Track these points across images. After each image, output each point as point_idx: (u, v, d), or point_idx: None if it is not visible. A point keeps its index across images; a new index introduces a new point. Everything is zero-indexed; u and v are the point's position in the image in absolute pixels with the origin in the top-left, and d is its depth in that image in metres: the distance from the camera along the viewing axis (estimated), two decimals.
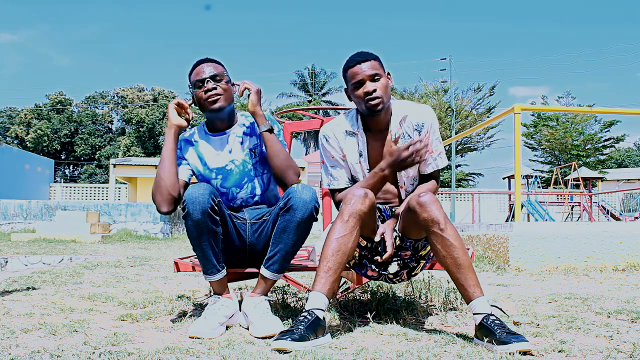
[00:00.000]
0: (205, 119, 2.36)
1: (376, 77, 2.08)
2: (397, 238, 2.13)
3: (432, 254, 2.20)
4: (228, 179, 2.29)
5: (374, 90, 2.07)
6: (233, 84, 2.29)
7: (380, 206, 2.24)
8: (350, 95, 2.15)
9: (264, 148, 2.30)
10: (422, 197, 1.94)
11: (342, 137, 2.21)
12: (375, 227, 2.10)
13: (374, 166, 2.16)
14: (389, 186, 2.23)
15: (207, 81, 2.19)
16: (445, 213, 1.96)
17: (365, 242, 2.14)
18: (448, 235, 1.90)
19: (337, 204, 2.21)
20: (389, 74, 2.17)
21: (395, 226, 2.13)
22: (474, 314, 1.85)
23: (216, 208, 2.04)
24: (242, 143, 2.31)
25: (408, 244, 2.13)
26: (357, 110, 2.22)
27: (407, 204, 2.03)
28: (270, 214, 2.23)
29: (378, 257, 2.08)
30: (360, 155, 2.19)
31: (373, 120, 2.17)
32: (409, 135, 2.18)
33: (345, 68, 2.14)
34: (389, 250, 2.04)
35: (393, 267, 2.13)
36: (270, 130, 2.21)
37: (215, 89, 2.20)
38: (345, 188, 2.20)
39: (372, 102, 2.07)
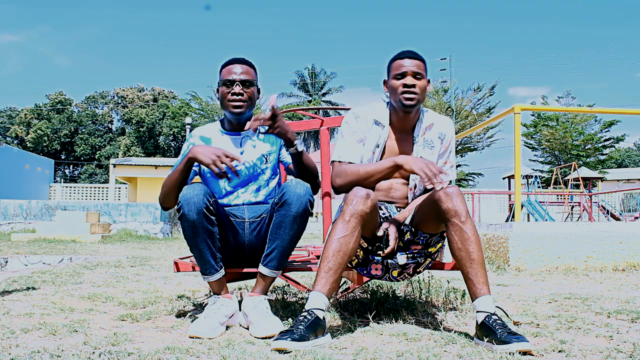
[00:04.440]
0: (223, 117, 2.39)
1: (418, 76, 2.13)
2: (409, 232, 2.14)
3: (437, 254, 2.21)
4: (236, 178, 2.29)
5: (413, 86, 2.11)
6: (259, 91, 2.34)
7: (387, 204, 2.24)
8: (388, 85, 2.19)
9: (281, 157, 2.37)
10: (448, 187, 1.97)
11: (371, 123, 2.24)
12: (377, 226, 2.11)
13: None
14: (398, 185, 2.25)
15: (236, 84, 2.23)
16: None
17: (366, 245, 2.14)
18: (467, 229, 1.93)
19: (335, 174, 2.18)
20: (429, 80, 2.20)
21: (403, 222, 2.15)
22: (477, 311, 1.85)
23: (211, 208, 2.05)
24: (254, 147, 2.33)
25: (422, 238, 2.14)
26: (390, 104, 2.25)
27: (430, 194, 2.04)
28: (267, 212, 2.24)
29: (380, 252, 2.09)
30: (377, 146, 2.21)
31: (402, 117, 2.21)
32: (431, 142, 2.24)
33: (392, 59, 2.18)
34: (392, 244, 2.05)
35: (402, 259, 2.14)
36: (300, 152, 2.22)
37: (241, 94, 2.24)
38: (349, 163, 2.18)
39: (407, 96, 2.12)
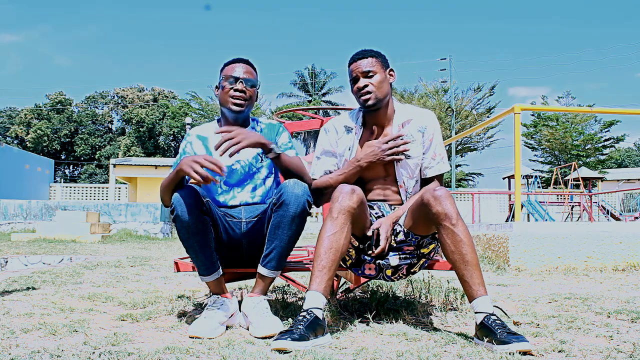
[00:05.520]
0: (219, 117, 2.40)
1: (370, 74, 2.17)
2: (401, 233, 2.14)
3: (432, 254, 2.21)
4: (232, 177, 2.30)
5: (365, 86, 2.16)
6: (257, 95, 2.36)
7: (379, 203, 2.25)
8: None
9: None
10: (437, 190, 1.97)
11: (342, 131, 2.30)
12: (368, 225, 2.12)
13: None
14: (389, 185, 2.24)
15: (240, 82, 2.25)
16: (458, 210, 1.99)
17: (357, 243, 2.14)
18: (459, 231, 1.92)
19: (312, 192, 2.21)
20: (391, 70, 2.23)
21: (396, 221, 2.15)
22: (475, 312, 1.85)
23: (204, 208, 2.05)
24: None
25: (413, 240, 2.14)
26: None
27: (420, 197, 2.04)
28: (265, 212, 2.24)
29: (370, 251, 2.10)
30: (349, 149, 2.25)
31: (372, 117, 2.25)
32: (411, 136, 2.24)
33: (348, 65, 2.23)
34: (382, 244, 2.05)
35: (394, 260, 2.14)
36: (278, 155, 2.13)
37: (243, 92, 2.26)
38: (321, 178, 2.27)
39: (363, 98, 2.18)
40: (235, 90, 2.25)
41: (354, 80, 2.19)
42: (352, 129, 2.27)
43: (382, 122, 2.25)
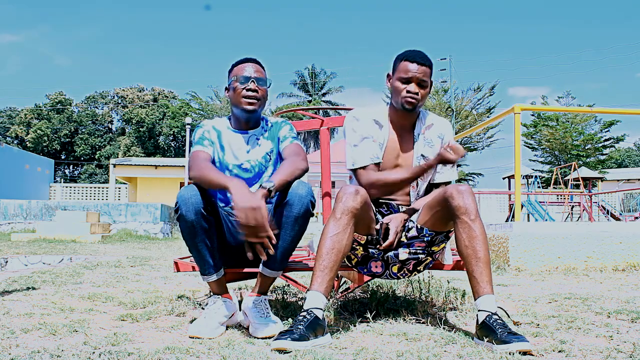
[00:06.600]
0: (230, 115, 2.38)
1: (423, 84, 2.17)
2: (414, 229, 2.16)
3: (438, 255, 2.22)
4: (241, 176, 2.30)
5: (416, 94, 2.16)
6: (268, 95, 2.35)
7: (389, 202, 2.26)
8: (392, 83, 2.21)
9: (280, 150, 2.34)
10: (461, 186, 2.00)
11: (372, 123, 2.27)
12: (373, 224, 2.13)
13: (387, 159, 2.22)
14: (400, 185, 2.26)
15: (252, 81, 2.24)
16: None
17: (365, 239, 2.15)
18: (475, 227, 1.95)
19: (368, 184, 2.16)
20: (431, 83, 2.23)
21: (408, 218, 2.17)
22: (478, 310, 1.86)
23: (209, 208, 2.05)
24: (260, 145, 2.33)
25: (427, 236, 2.15)
26: (388, 106, 2.31)
27: (442, 191, 2.06)
28: (268, 212, 2.23)
29: (379, 245, 2.11)
30: (380, 146, 2.24)
31: (401, 116, 2.26)
32: (430, 141, 2.28)
33: (401, 57, 2.19)
34: (391, 237, 2.07)
35: (403, 254, 2.15)
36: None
37: (256, 92, 2.24)
38: (368, 166, 2.17)
39: (409, 100, 2.16)
40: (248, 90, 2.23)
41: (406, 80, 2.16)
42: (382, 125, 2.27)
43: (409, 123, 2.28)
